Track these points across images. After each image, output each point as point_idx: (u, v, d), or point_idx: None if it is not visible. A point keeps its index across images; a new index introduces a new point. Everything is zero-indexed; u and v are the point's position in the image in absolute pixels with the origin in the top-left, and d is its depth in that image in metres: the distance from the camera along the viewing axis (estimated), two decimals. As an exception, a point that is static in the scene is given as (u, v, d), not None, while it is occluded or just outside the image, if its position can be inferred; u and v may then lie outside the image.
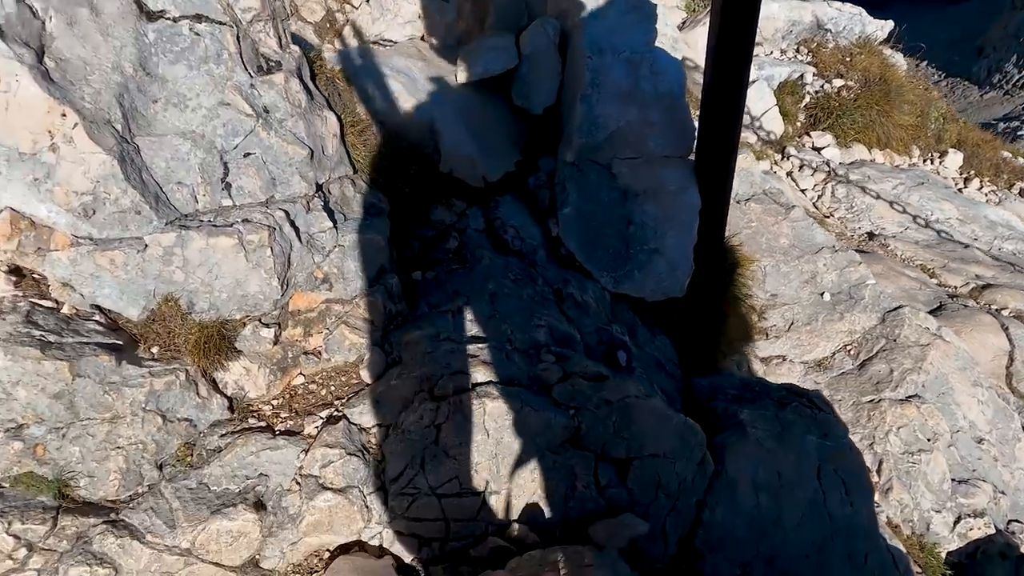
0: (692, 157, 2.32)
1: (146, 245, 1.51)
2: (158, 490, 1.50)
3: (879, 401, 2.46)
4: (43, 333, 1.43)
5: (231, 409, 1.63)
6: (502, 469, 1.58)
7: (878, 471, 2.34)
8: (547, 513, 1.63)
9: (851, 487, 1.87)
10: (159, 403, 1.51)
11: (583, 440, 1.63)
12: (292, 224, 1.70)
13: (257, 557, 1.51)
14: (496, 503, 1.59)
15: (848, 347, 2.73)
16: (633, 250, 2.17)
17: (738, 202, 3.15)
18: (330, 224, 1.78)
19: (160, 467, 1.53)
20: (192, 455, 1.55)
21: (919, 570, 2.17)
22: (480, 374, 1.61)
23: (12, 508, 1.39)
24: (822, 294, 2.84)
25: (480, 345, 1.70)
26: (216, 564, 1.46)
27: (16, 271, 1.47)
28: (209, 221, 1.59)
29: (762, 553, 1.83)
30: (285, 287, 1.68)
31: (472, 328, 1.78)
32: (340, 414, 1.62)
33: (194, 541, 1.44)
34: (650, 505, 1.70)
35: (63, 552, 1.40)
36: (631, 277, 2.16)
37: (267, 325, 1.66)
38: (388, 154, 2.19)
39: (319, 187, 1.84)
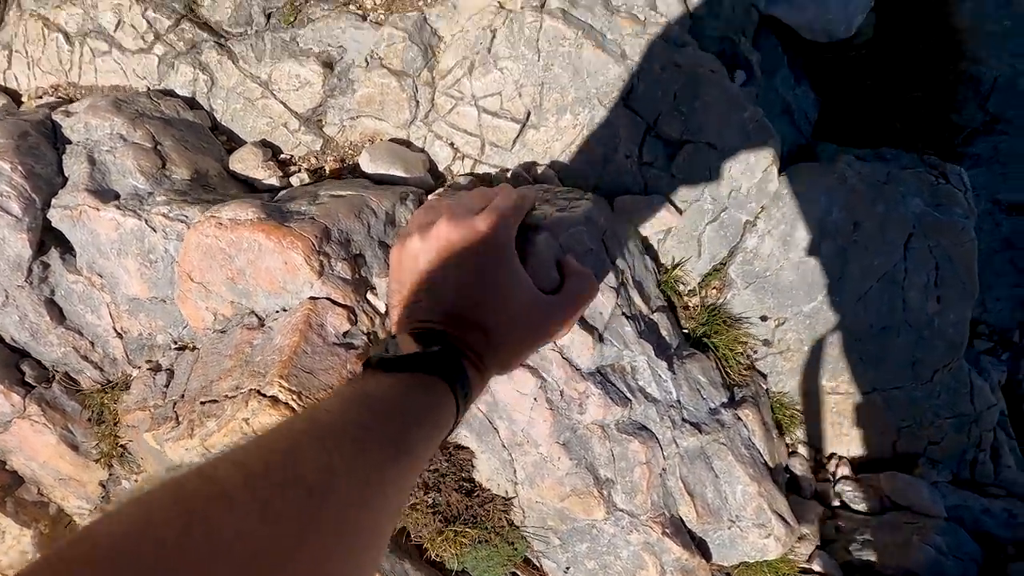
0: None
1: None
2: (261, 34, 1.70)
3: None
4: None
5: (338, -8, 1.76)
6: (546, 103, 1.54)
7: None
8: (578, 172, 1.59)
9: (945, 279, 1.56)
10: (274, -48, 1.67)
11: (637, 102, 1.52)
12: None
13: (320, 119, 1.69)
14: (533, 139, 1.58)
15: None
16: (805, -32, 1.83)
17: None
18: None
19: (268, 16, 1.73)
20: (295, 16, 1.73)
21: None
22: (556, 1, 1.54)
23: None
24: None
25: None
26: (285, 104, 1.67)
27: None
28: None
29: (805, 313, 1.64)
30: None
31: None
32: (422, 15, 1.66)
33: (271, 75, 1.65)
34: (691, 203, 1.58)
35: (179, 52, 1.69)
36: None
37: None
38: None
39: None
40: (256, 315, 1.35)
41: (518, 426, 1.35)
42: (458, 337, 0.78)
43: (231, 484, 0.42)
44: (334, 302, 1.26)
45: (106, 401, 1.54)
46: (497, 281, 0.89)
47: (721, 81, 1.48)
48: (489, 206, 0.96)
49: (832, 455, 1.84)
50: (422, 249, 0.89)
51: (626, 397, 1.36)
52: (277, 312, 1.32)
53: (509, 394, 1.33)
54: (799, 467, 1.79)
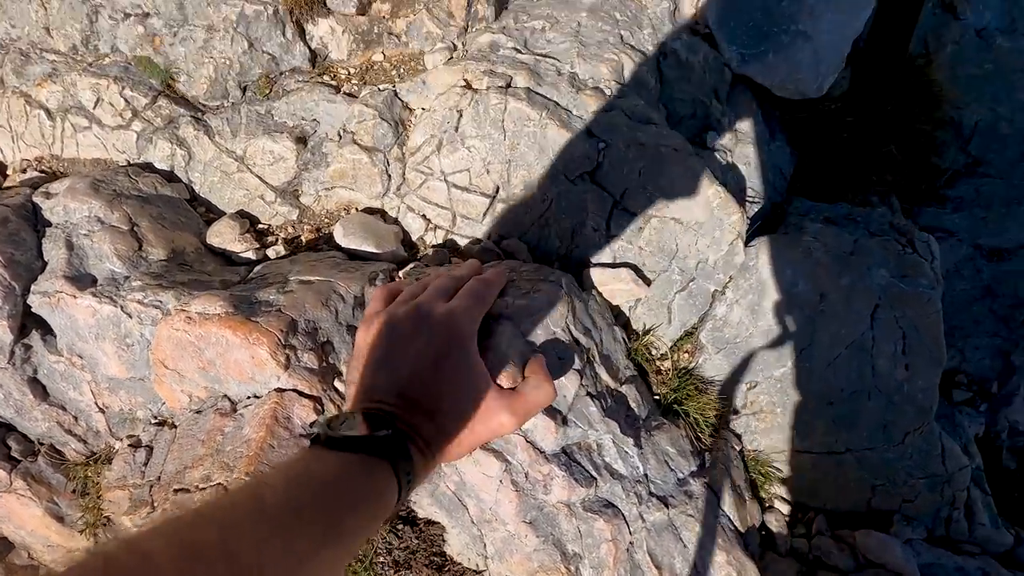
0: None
1: None
2: (237, 107, 1.74)
3: None
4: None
5: (312, 63, 1.79)
6: (514, 179, 1.57)
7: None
8: (547, 244, 1.61)
9: (913, 347, 1.57)
10: (248, 29, 1.70)
11: (604, 179, 1.54)
12: None
13: (296, 190, 1.73)
14: (502, 211, 1.61)
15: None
16: (776, 28, 1.84)
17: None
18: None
19: (243, 89, 1.76)
20: (270, 89, 1.76)
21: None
22: (521, 80, 1.56)
23: (130, 79, 1.72)
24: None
25: (539, 58, 1.63)
26: (260, 178, 1.70)
27: None
28: None
29: (776, 377, 1.66)
30: (382, -41, 1.72)
31: (542, 45, 1.69)
32: (392, 89, 1.69)
33: (246, 150, 1.68)
34: (660, 273, 1.60)
35: (156, 127, 1.72)
36: (762, 59, 1.85)
37: (357, -8, 1.74)
38: None
39: None
40: (229, 399, 1.38)
41: (486, 504, 1.38)
42: (408, 422, 0.79)
43: (163, 561, 0.43)
44: (300, 393, 1.29)
45: (90, 474, 1.58)
46: (454, 372, 0.90)
47: (685, 159, 1.50)
48: (459, 294, 0.98)
49: (809, 509, 1.86)
50: (384, 331, 0.90)
51: (591, 476, 1.39)
52: (248, 398, 1.36)
53: (475, 476, 1.35)
54: (775, 523, 1.80)
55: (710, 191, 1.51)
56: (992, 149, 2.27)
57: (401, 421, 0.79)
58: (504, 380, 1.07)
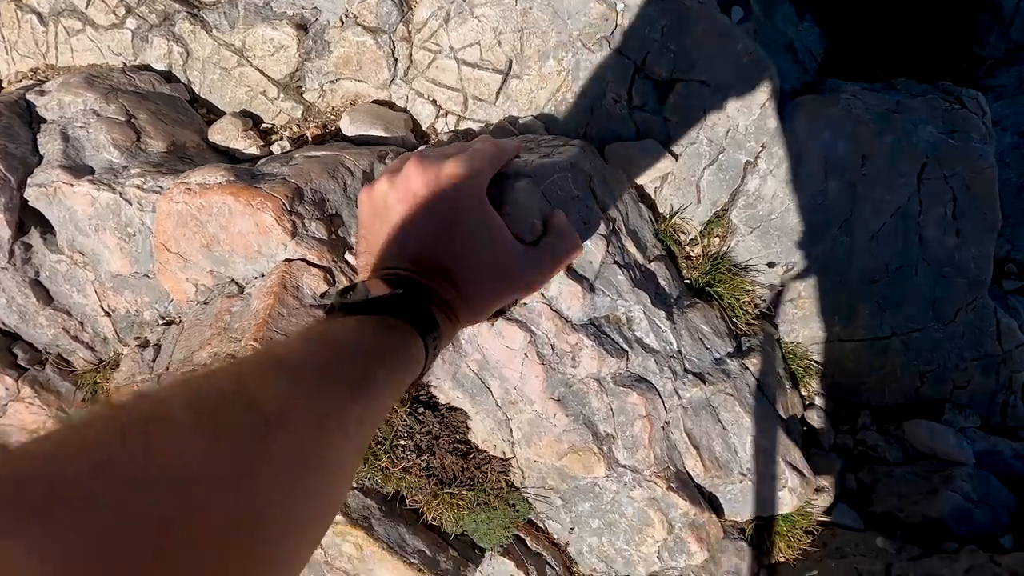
0: None
1: None
2: (235, 1, 1.65)
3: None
4: None
5: (310, -48, 1.70)
6: (527, 50, 1.47)
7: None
8: (565, 121, 1.52)
9: (964, 210, 1.46)
10: (241, -87, 1.62)
11: (623, 42, 1.44)
12: None
13: (299, 84, 1.64)
14: (516, 90, 1.52)
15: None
16: None
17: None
18: None
19: (240, -18, 1.68)
20: (267, -20, 1.68)
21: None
22: (531, -60, 1.46)
23: (121, -26, 1.65)
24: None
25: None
26: (261, 72, 1.62)
27: None
28: None
29: (814, 255, 1.56)
30: None
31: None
32: (395, -31, 1.60)
33: (244, 41, 1.60)
34: (687, 146, 1.50)
35: (152, 24, 1.65)
36: (787, -73, 1.73)
37: None
38: None
39: None
40: (236, 283, 1.31)
41: (510, 384, 1.30)
42: (425, 284, 0.75)
43: (175, 405, 0.38)
44: (309, 263, 1.21)
45: (99, 380, 1.53)
46: (466, 228, 0.84)
47: (711, 13, 1.40)
48: (463, 152, 0.91)
49: (852, 405, 1.76)
50: (389, 193, 0.84)
51: (622, 348, 1.30)
52: (256, 278, 1.29)
53: (498, 350, 1.27)
54: (816, 419, 1.71)
55: (739, 47, 1.40)
56: (1035, 32, 2.13)
57: (418, 284, 0.75)
58: (525, 235, 1.00)
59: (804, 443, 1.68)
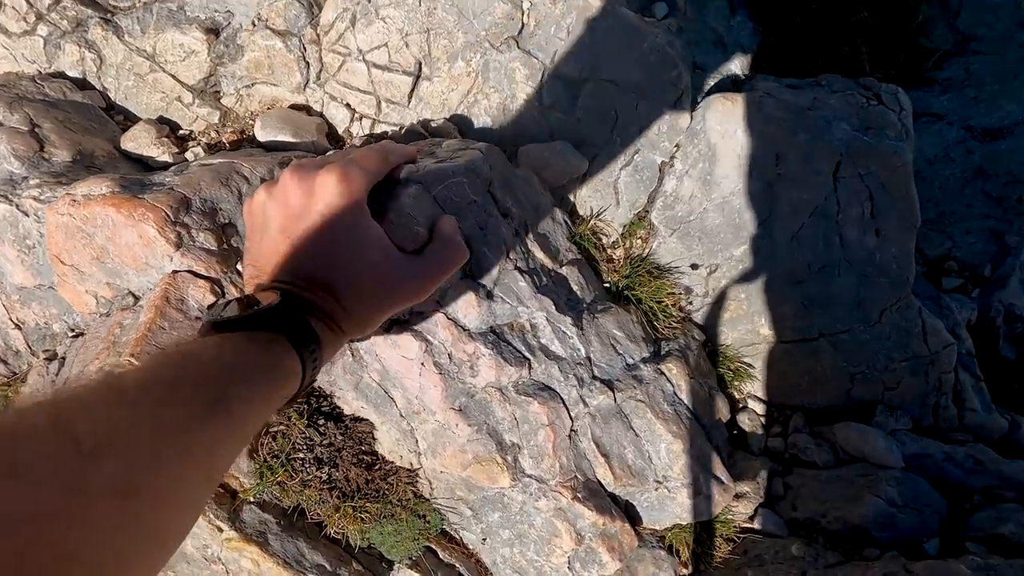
0: None
1: None
2: (149, 6, 1.63)
3: None
4: None
5: (226, -45, 1.67)
6: (435, 51, 1.45)
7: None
8: (478, 123, 1.49)
9: (882, 209, 1.42)
10: (150, -83, 1.59)
11: (531, 42, 1.41)
12: None
13: (216, 89, 1.62)
14: (428, 92, 1.49)
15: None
16: None
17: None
18: None
19: (154, -14, 1.66)
20: (182, -16, 1.65)
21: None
22: (436, -60, 1.43)
23: (31, -19, 1.62)
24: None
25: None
26: (175, 77, 1.60)
27: None
28: None
29: (736, 257, 1.53)
30: None
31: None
32: (307, -30, 1.57)
33: (155, 46, 1.58)
34: (601, 147, 1.47)
35: (64, 31, 1.63)
36: (713, -80, 1.69)
37: None
38: None
39: None
40: (133, 295, 1.29)
41: (411, 394, 1.27)
42: (304, 296, 0.74)
43: None
44: (196, 274, 1.19)
45: (10, 394, 1.51)
46: (342, 237, 0.83)
47: (616, 10, 1.36)
48: (340, 160, 0.89)
49: (787, 407, 1.73)
50: (267, 205, 0.85)
51: (523, 357, 1.28)
52: (150, 290, 1.26)
53: (396, 360, 1.25)
54: (747, 423, 1.68)
55: (645, 44, 1.37)
56: (983, 22, 2.09)
57: (296, 296, 0.74)
58: (408, 244, 0.97)
59: (733, 447, 1.65)
